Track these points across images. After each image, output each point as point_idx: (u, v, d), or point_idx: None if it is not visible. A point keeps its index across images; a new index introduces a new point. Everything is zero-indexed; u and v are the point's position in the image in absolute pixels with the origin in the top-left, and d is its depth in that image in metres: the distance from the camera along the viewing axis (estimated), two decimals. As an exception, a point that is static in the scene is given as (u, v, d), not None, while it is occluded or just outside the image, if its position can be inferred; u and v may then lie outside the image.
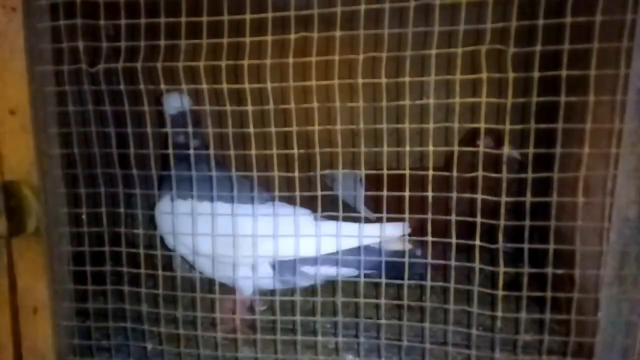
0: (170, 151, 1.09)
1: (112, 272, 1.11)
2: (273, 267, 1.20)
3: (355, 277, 1.06)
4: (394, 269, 1.05)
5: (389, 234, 1.12)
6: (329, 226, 1.13)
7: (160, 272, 1.08)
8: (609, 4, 0.83)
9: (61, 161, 1.10)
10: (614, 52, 0.85)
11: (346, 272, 1.16)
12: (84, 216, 1.10)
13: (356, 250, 1.10)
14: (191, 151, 1.01)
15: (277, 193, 1.01)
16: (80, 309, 1.14)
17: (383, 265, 1.05)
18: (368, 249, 1.11)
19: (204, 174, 1.05)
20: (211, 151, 1.13)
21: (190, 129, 1.14)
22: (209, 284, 1.20)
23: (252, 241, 1.07)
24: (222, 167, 1.12)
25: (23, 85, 1.03)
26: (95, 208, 1.08)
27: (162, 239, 1.25)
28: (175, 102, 1.33)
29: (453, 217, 0.94)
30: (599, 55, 0.84)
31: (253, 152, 0.99)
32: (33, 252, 1.08)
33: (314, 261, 1.14)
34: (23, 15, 1.00)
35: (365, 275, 1.05)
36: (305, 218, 1.16)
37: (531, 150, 0.88)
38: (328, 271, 1.18)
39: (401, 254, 1.04)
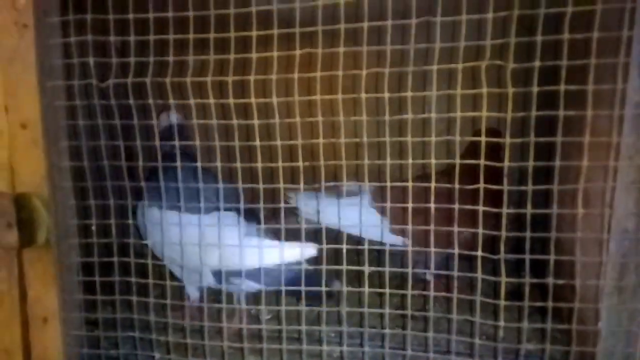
0: (180, 164, 1.11)
1: (121, 282, 1.13)
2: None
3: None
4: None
5: (307, 255, 1.18)
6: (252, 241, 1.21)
7: (168, 282, 1.11)
8: (606, 20, 0.85)
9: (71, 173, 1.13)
10: (612, 67, 0.87)
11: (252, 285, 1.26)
12: (93, 227, 1.13)
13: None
14: (178, 164, 1.05)
15: (283, 205, 1.04)
16: (89, 318, 1.17)
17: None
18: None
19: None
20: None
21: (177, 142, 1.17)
22: (214, 293, 1.23)
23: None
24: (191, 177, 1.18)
25: (34, 100, 1.05)
26: (104, 219, 1.11)
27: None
28: (164, 122, 1.51)
29: (455, 228, 0.96)
30: (597, 70, 0.87)
31: (259, 164, 1.02)
32: (43, 263, 1.10)
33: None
34: (35, 32, 1.03)
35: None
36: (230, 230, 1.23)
37: (531, 163, 0.91)
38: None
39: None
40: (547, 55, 0.88)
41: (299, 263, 1.19)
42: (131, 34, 0.99)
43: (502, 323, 0.97)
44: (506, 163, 0.93)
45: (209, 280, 1.29)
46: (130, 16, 0.98)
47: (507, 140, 0.91)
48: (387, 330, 1.04)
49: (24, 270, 1.11)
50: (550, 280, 0.95)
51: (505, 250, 0.95)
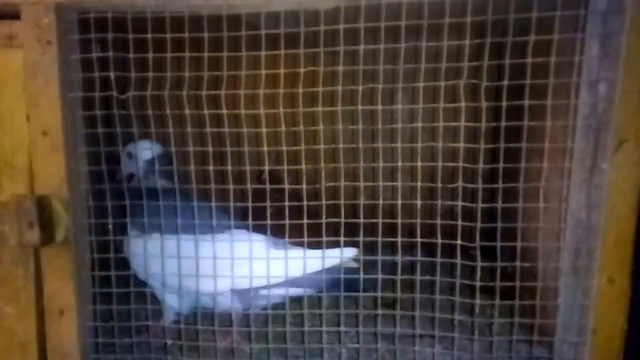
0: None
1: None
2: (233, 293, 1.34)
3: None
4: (350, 285, 1.27)
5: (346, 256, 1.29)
6: (294, 252, 1.29)
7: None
8: (562, 47, 1.08)
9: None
10: (566, 85, 1.10)
11: (304, 292, 1.35)
12: (110, 226, 1.29)
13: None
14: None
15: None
16: (104, 310, 1.32)
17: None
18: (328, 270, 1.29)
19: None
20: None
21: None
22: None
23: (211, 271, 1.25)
24: (187, 201, 1.29)
25: (56, 110, 1.19)
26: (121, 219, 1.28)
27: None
28: (146, 149, 1.46)
29: (438, 221, 1.18)
30: (555, 88, 1.10)
31: (266, 167, 1.21)
32: (61, 259, 1.24)
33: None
34: (57, 48, 1.18)
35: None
36: (260, 245, 1.29)
37: (501, 165, 1.13)
38: (285, 292, 1.35)
39: (355, 271, 1.27)
40: (514, 75, 1.10)
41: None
42: (149, 51, 1.16)
43: (478, 301, 1.19)
44: (480, 165, 1.15)
45: (225, 302, 1.35)
46: (149, 36, 1.15)
47: (482, 146, 1.13)
48: (379, 311, 1.25)
49: (41, 267, 1.26)
50: (517, 264, 1.18)
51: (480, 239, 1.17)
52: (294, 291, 1.35)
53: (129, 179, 1.48)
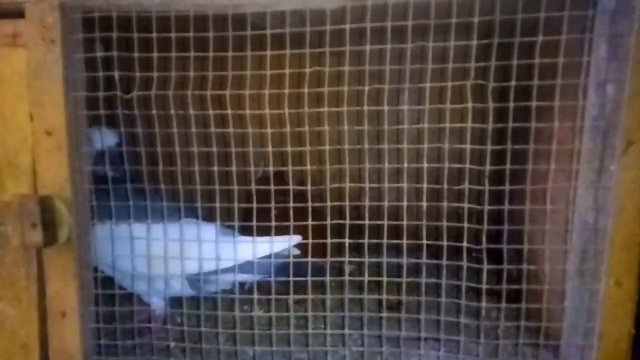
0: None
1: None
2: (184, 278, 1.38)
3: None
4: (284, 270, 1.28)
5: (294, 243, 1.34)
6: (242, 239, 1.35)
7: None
8: (570, 47, 1.07)
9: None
10: (574, 87, 1.09)
11: (246, 277, 1.41)
12: (113, 226, 1.28)
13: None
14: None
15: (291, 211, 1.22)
16: (107, 311, 1.31)
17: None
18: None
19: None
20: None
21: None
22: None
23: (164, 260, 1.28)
24: (140, 193, 1.31)
25: (59, 109, 1.19)
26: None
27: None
28: (96, 138, 1.48)
29: (444, 223, 1.17)
30: (562, 89, 1.09)
31: (271, 168, 1.20)
32: (64, 260, 1.23)
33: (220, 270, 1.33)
34: (61, 47, 1.17)
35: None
36: (209, 232, 1.34)
37: (508, 167, 1.12)
38: (230, 278, 1.40)
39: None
40: (522, 76, 1.10)
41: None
42: (154, 51, 1.16)
43: (484, 304, 1.19)
44: (487, 167, 1.14)
45: (183, 289, 1.39)
46: (154, 35, 1.14)
47: (489, 147, 1.13)
48: (384, 314, 1.25)
49: (43, 268, 1.24)
50: (524, 267, 1.18)
51: (486, 242, 1.17)
52: (242, 277, 1.39)
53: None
